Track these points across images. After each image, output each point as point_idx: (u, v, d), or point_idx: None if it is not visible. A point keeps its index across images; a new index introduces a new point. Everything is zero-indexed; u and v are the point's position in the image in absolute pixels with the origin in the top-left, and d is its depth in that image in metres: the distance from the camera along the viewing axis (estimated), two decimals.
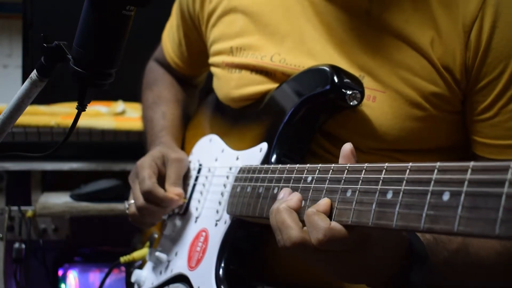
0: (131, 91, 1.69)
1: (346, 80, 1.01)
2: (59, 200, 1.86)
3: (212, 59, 1.26)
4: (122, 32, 0.82)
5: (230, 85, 1.19)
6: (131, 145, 1.94)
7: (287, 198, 0.86)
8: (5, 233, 1.86)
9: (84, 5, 0.80)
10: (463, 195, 0.64)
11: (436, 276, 0.89)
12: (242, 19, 1.19)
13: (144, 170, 1.19)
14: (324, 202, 0.81)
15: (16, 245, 1.89)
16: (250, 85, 1.16)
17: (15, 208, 1.87)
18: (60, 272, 2.07)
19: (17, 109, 0.85)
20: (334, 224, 0.78)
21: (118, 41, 0.82)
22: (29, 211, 1.87)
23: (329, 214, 0.81)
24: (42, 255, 1.98)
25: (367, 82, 1.04)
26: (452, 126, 1.06)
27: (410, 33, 1.02)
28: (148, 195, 1.16)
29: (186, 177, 1.25)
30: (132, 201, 1.21)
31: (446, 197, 0.66)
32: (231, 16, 1.21)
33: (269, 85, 1.13)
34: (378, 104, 1.03)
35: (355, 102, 1.00)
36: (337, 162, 0.86)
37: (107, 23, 0.80)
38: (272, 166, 0.99)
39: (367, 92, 1.02)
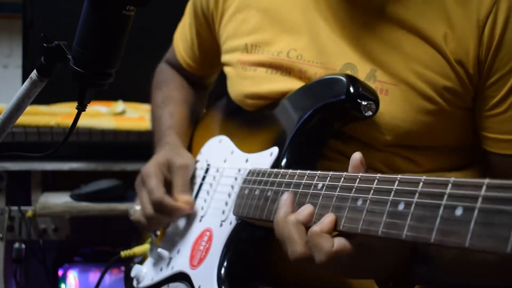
0: (131, 91, 1.69)
1: (361, 90, 1.01)
2: (59, 200, 1.86)
3: (225, 57, 1.26)
4: (122, 32, 0.82)
5: (244, 83, 1.19)
6: (131, 145, 1.94)
7: (299, 212, 0.85)
8: (5, 233, 1.86)
9: (84, 5, 0.80)
10: (476, 211, 0.64)
11: (442, 275, 0.90)
12: (257, 16, 1.19)
13: (151, 179, 1.19)
14: (328, 220, 0.81)
15: (16, 245, 1.89)
16: (265, 83, 1.15)
17: (15, 208, 1.87)
18: (60, 272, 2.07)
19: (17, 109, 0.85)
20: (337, 244, 0.79)
21: (118, 41, 0.82)
22: (29, 211, 1.87)
23: (336, 224, 0.81)
24: (42, 255, 1.97)
25: (379, 75, 1.04)
26: (462, 123, 1.06)
27: (422, 27, 1.02)
28: (158, 206, 1.17)
29: (192, 176, 1.25)
30: (138, 208, 1.22)
31: (459, 211, 0.66)
32: (245, 13, 1.21)
33: (285, 84, 1.13)
34: (390, 97, 1.04)
35: (370, 113, 1.00)
36: (348, 164, 0.86)
37: (107, 23, 0.80)
38: (283, 170, 0.99)
39: (379, 85, 1.03)
